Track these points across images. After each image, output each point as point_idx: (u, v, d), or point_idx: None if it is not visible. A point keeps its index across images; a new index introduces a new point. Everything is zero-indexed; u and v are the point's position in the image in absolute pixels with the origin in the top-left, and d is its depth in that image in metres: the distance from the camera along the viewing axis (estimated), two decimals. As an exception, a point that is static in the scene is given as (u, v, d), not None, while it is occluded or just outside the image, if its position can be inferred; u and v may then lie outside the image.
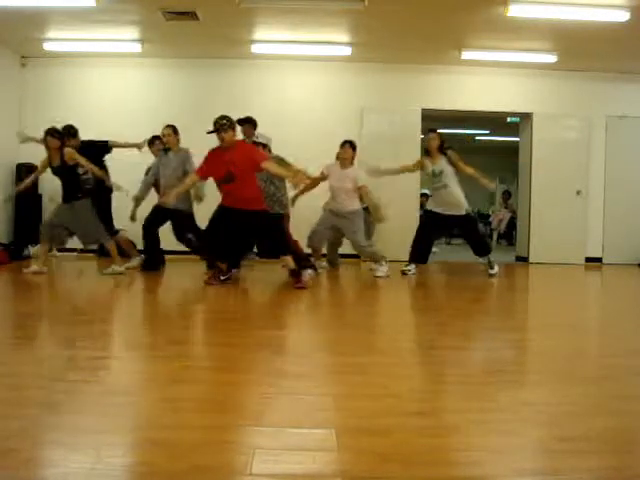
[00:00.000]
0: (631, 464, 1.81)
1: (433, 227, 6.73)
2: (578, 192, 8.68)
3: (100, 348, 3.16)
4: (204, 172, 5.51)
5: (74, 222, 6.00)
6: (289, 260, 5.55)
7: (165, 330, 3.84)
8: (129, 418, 2.13)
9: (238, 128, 5.88)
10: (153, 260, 6.56)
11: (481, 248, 6.72)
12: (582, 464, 1.78)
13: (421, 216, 6.75)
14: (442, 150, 6.54)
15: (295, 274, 5.52)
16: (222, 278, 5.52)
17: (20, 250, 7.52)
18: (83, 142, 6.50)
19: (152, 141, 6.79)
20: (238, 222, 5.38)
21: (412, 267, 6.69)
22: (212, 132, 5.32)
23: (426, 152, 6.70)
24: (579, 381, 2.69)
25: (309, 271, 5.77)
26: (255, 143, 6.02)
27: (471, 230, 6.78)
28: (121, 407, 2.20)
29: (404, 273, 6.62)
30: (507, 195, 14.07)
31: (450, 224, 6.76)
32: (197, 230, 6.38)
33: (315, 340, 3.53)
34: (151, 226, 6.44)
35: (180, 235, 6.58)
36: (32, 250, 7.20)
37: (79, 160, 5.91)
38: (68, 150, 5.92)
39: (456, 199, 6.48)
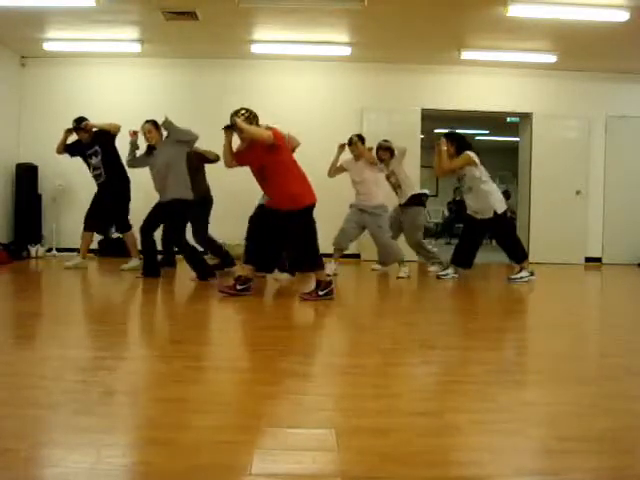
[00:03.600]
0: (631, 464, 1.81)
1: (470, 231, 6.53)
2: (578, 192, 8.68)
3: (101, 348, 3.16)
4: (239, 156, 4.89)
5: None
6: (321, 274, 4.83)
7: (166, 330, 3.85)
8: (129, 418, 2.12)
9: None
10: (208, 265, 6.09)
11: (516, 254, 6.41)
12: (582, 464, 1.78)
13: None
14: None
15: (319, 286, 4.80)
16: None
17: (20, 250, 7.53)
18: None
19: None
20: (274, 222, 4.87)
21: (449, 271, 6.50)
22: (228, 127, 4.74)
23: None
24: (579, 381, 2.69)
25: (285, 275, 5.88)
26: None
27: (502, 234, 6.48)
28: (121, 407, 2.20)
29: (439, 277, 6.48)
30: (507, 195, 14.08)
31: (483, 228, 6.43)
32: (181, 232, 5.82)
33: (316, 340, 3.53)
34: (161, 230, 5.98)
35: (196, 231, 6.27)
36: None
37: None
38: None
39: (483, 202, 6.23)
